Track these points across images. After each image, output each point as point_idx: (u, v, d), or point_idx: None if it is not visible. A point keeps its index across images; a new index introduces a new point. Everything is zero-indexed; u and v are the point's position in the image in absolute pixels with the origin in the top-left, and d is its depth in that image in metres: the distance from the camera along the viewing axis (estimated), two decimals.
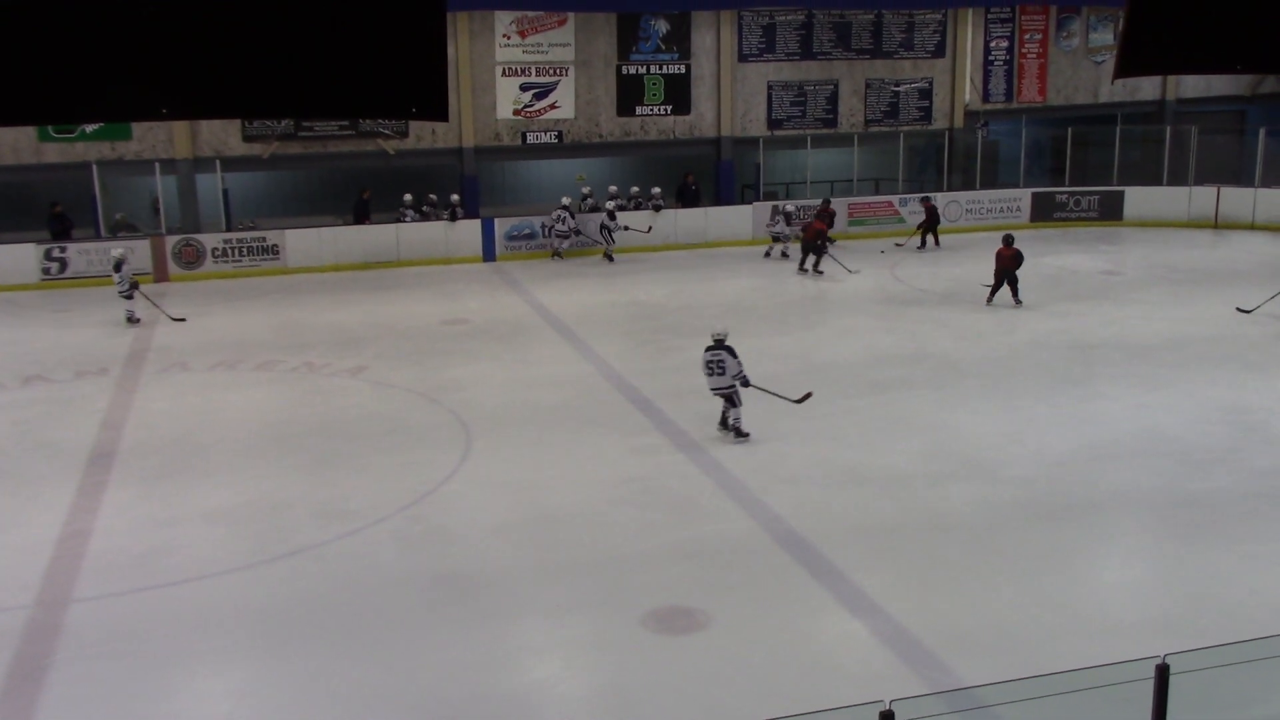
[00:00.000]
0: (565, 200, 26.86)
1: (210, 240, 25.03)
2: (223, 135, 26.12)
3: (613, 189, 28.12)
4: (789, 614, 10.03)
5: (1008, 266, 20.90)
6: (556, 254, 26.67)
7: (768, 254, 26.49)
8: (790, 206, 27.32)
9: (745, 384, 14.04)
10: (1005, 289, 20.95)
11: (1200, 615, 9.82)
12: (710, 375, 14.10)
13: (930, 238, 26.98)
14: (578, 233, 26.33)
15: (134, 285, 20.78)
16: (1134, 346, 18.30)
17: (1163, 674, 6.01)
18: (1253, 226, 28.51)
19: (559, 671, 9.36)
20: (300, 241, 25.53)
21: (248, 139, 26.32)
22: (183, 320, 20.79)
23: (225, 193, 26.19)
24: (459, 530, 11.84)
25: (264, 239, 25.34)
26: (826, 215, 25.96)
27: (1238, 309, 19.99)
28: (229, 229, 25.94)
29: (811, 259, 24.28)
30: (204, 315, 21.44)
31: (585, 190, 28.37)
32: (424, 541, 11.60)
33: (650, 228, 27.02)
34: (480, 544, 11.52)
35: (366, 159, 27.34)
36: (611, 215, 26.00)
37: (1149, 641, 8.05)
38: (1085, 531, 11.73)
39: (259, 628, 9.93)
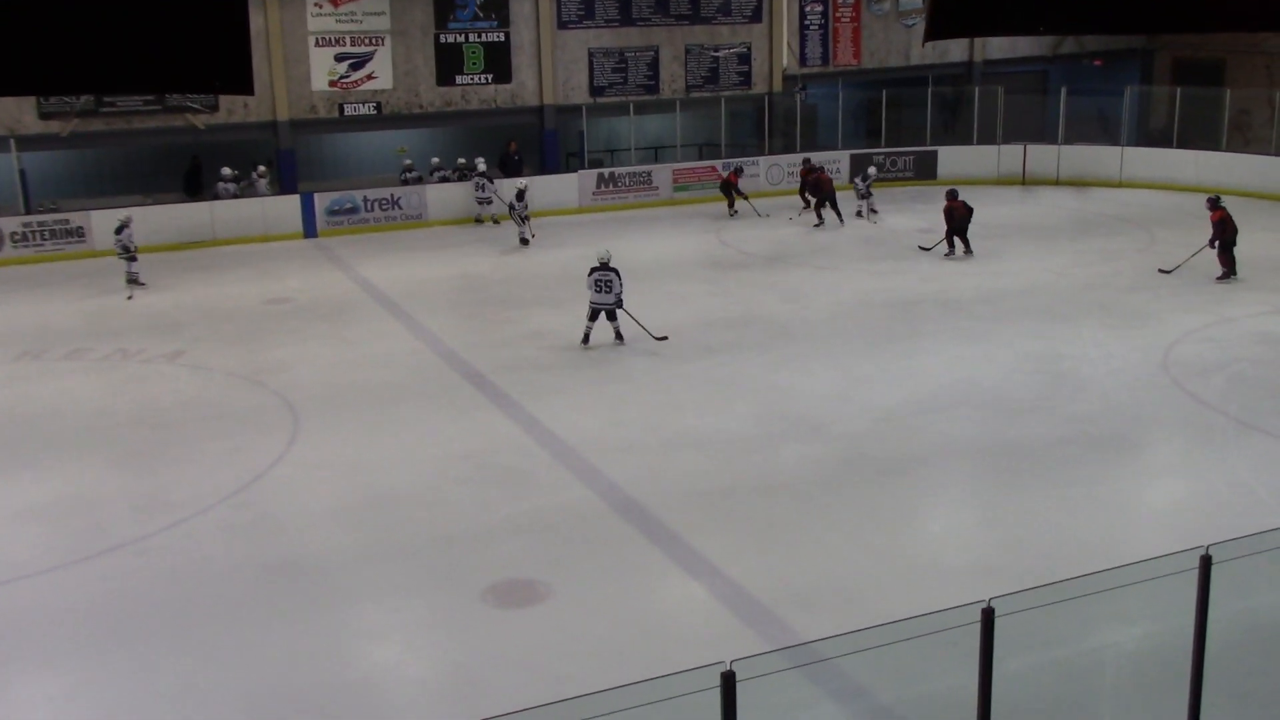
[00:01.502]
0: (481, 166, 26.68)
1: (8, 224, 23.70)
2: (16, 112, 24.66)
3: (435, 160, 27.71)
4: (629, 581, 10.10)
5: (964, 216, 21.96)
6: (480, 220, 26.48)
7: (858, 213, 26.27)
8: (872, 169, 27.14)
9: (619, 304, 16.44)
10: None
11: (1020, 558, 10.27)
12: (599, 292, 16.37)
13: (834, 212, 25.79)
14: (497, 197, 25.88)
15: (125, 249, 20.98)
16: (951, 302, 18.94)
17: (988, 617, 6.25)
18: (1057, 182, 29.82)
19: (400, 654, 9.22)
20: (107, 222, 24.19)
21: (44, 116, 24.91)
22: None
23: (22, 173, 24.79)
24: (289, 516, 11.53)
25: (67, 221, 24.11)
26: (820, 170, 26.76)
27: (1159, 270, 20.29)
28: (28, 211, 24.60)
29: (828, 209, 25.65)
30: (3, 304, 20.30)
31: (406, 163, 27.83)
32: (252, 530, 11.25)
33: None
34: (312, 529, 11.24)
35: (175, 135, 26.20)
36: (520, 196, 24.44)
37: (974, 586, 8.36)
38: (911, 483, 12.12)
39: (80, 629, 9.50)
